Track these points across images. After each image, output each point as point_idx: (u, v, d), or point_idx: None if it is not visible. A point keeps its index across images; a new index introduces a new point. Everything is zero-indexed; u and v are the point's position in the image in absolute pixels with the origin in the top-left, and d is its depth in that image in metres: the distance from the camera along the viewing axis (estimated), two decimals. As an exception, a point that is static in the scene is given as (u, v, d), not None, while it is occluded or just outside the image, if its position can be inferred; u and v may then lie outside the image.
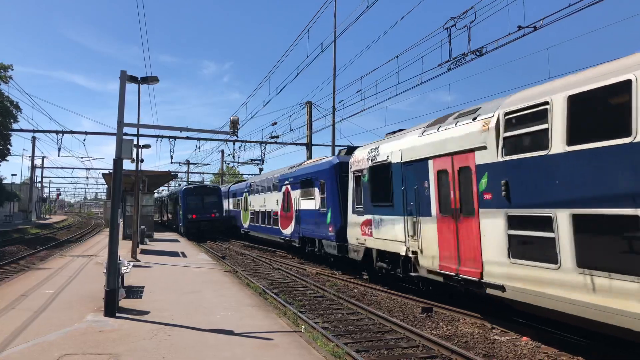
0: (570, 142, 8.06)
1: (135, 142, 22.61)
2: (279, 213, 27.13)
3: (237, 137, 20.36)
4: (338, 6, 28.83)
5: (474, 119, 10.66)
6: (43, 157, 70.80)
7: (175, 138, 33.26)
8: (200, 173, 72.46)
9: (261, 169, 44.01)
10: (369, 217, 15.56)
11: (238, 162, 48.62)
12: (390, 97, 22.96)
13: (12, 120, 38.21)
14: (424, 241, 12.43)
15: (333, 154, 27.11)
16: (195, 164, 67.29)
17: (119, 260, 10.68)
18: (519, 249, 9.27)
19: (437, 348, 8.94)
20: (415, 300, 13.08)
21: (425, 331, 10.14)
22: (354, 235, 16.78)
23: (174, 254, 23.78)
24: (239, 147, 42.30)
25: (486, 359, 8.48)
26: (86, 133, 33.18)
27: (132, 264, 14.30)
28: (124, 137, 10.94)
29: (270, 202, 28.93)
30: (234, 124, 11.95)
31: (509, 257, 9.39)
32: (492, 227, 9.83)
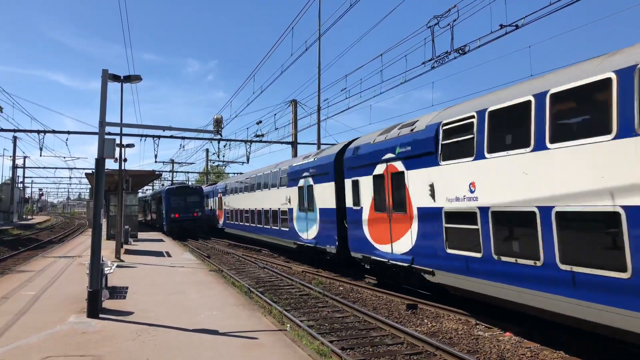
0: None
1: (118, 142, 22.37)
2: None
3: (221, 136, 20.38)
4: (322, 4, 28.76)
5: None
6: (25, 157, 69.52)
7: (159, 137, 32.84)
8: (184, 172, 71.77)
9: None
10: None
11: (223, 161, 48.27)
12: (375, 95, 23.18)
13: (-9, 120, 37.55)
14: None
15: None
16: (179, 163, 66.57)
17: (102, 260, 10.56)
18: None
19: (421, 344, 9.01)
20: (400, 298, 13.16)
21: (410, 328, 10.22)
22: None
23: (159, 254, 23.59)
24: (224, 146, 42.14)
25: (470, 354, 8.57)
26: (68, 132, 32.62)
27: (115, 264, 14.16)
28: (107, 136, 10.80)
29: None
30: (218, 123, 11.87)
31: None
32: None
